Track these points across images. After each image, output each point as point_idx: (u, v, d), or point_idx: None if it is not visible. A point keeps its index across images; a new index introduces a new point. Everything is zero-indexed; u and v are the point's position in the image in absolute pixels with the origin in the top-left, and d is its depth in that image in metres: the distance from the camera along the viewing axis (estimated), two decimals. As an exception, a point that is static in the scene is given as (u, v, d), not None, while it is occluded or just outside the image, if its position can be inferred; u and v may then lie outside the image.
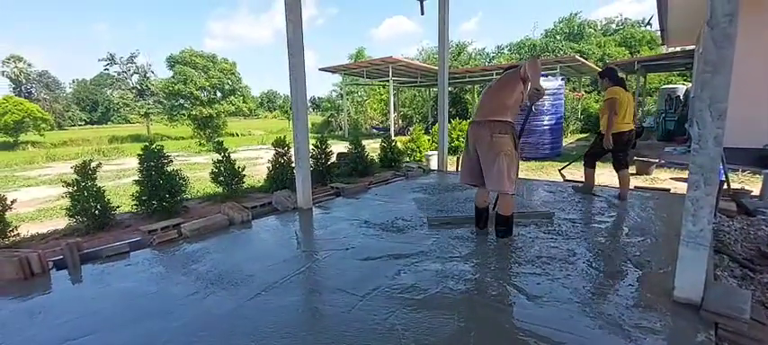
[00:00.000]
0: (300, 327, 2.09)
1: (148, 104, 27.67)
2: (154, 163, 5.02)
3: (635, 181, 6.22)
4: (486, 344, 1.90)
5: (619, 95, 4.38)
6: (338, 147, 8.74)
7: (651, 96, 22.64)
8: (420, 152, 9.79)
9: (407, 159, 9.59)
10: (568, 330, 2.00)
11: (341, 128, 23.29)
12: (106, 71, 29.67)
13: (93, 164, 4.79)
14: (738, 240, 3.64)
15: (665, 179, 6.78)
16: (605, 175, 7.18)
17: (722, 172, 4.34)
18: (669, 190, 5.21)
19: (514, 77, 3.13)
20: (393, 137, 10.11)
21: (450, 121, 6.98)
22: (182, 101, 23.67)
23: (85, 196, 4.57)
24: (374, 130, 22.92)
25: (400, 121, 24.27)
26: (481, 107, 3.30)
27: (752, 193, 5.09)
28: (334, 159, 7.10)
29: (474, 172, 3.32)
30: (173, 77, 23.48)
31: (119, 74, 28.72)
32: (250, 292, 2.49)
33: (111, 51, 28.20)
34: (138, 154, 5.06)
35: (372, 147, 9.51)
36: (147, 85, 27.39)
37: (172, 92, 23.19)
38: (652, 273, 2.62)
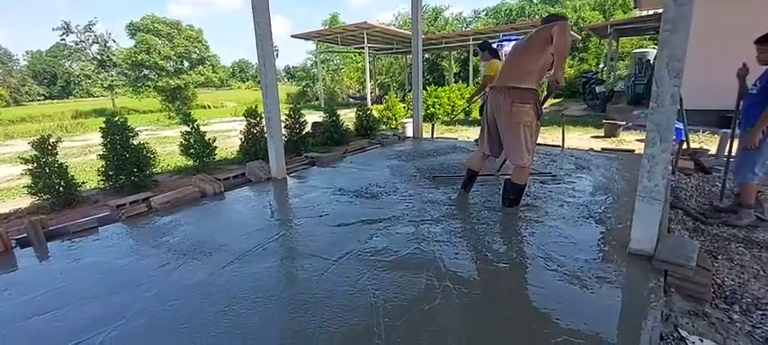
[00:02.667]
0: (273, 291, 2.12)
1: (112, 76, 26.19)
2: (118, 137, 4.83)
3: (602, 143, 6.43)
4: (452, 300, 1.98)
5: (498, 66, 4.86)
6: (314, 117, 8.62)
7: (623, 60, 23.08)
8: (396, 119, 9.76)
9: (383, 127, 9.56)
10: (532, 283, 2.11)
11: (317, 98, 22.87)
12: (62, 41, 27.67)
13: (53, 139, 4.57)
14: (693, 196, 3.86)
15: (630, 141, 7.03)
16: (574, 139, 7.39)
17: (683, 132, 4.54)
18: (634, 151, 5.42)
19: (545, 38, 2.79)
20: (370, 106, 10.03)
21: (425, 88, 6.94)
22: (146, 71, 22.49)
23: (47, 172, 4.38)
24: (351, 99, 22.60)
25: (377, 90, 23.99)
26: (502, 71, 3.09)
27: (709, 152, 5.35)
28: (308, 129, 7.01)
29: (493, 141, 3.20)
30: (135, 46, 22.19)
31: (76, 44, 26.91)
32: (223, 261, 2.50)
33: (66, 19, 26.31)
34: (101, 128, 4.85)
35: (349, 117, 9.42)
36: (108, 56, 25.79)
37: (135, 62, 21.95)
38: (612, 228, 2.77)
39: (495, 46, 10.15)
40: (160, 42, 22.39)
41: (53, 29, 26.03)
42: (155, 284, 2.27)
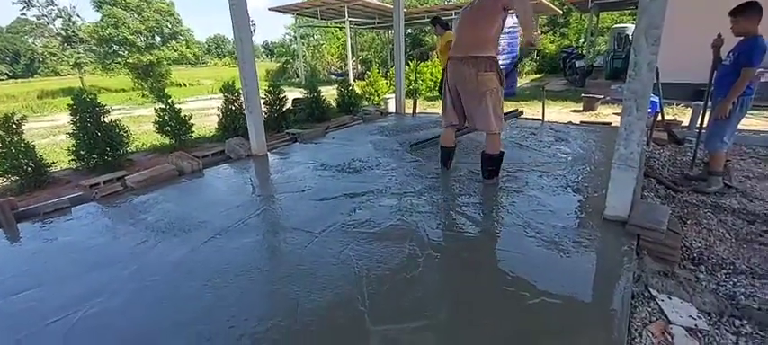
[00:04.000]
0: (255, 264, 2.11)
1: (79, 53, 24.84)
2: (88, 114, 4.63)
3: (581, 117, 6.55)
4: (434, 267, 2.01)
5: (452, 38, 5.04)
6: (295, 94, 8.44)
7: (603, 36, 23.30)
8: (378, 95, 9.65)
9: (365, 103, 9.46)
10: (511, 250, 2.16)
11: (297, 75, 22.37)
12: (23, 16, 25.98)
13: (17, 117, 4.36)
14: (666, 165, 3.99)
15: (608, 114, 7.16)
16: (554, 113, 7.48)
17: (658, 105, 4.65)
18: (610, 123, 5.53)
19: (494, 3, 2.80)
20: (352, 82, 9.87)
21: (407, 63, 6.86)
22: (115, 47, 21.40)
23: (13, 152, 4.19)
24: (333, 76, 22.21)
25: (359, 66, 23.62)
26: (460, 41, 3.04)
27: (682, 124, 5.52)
28: (289, 105, 6.86)
29: (457, 112, 3.17)
30: (102, 21, 21.00)
31: (38, 19, 25.32)
32: (203, 237, 2.46)
33: (26, -9, 24.62)
34: (69, 105, 4.64)
35: (331, 93, 9.26)
36: (73, 31, 24.37)
37: (102, 37, 20.81)
38: (588, 196, 2.84)
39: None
40: (128, 16, 21.27)
41: (13, 2, 24.42)
42: (133, 261, 2.23)
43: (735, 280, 2.01)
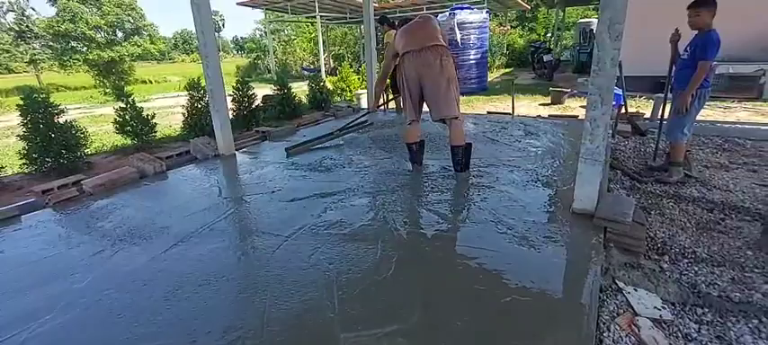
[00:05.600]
0: (220, 272, 2.01)
1: (34, 49, 23.38)
2: (40, 114, 4.34)
3: (548, 110, 6.69)
4: (407, 268, 1.98)
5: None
6: (265, 90, 8.22)
7: (569, 30, 23.94)
8: (350, 91, 9.56)
9: (337, 99, 9.34)
10: (483, 246, 2.15)
11: (269, 71, 21.88)
12: (-30, 9, 24.21)
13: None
14: (631, 157, 4.12)
15: (575, 107, 7.36)
16: (523, 106, 7.62)
17: (622, 97, 4.79)
18: (578, 116, 5.67)
19: (437, 29, 3.17)
20: (324, 78, 9.71)
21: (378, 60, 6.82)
22: (73, 43, 20.27)
23: (-45, 157, 3.88)
24: (305, 72, 21.82)
25: (332, 61, 23.33)
26: (414, 38, 3.10)
27: (644, 116, 5.72)
28: (258, 102, 6.68)
29: (420, 105, 3.22)
30: (57, 15, 19.83)
31: (-12, 12, 23.67)
32: (165, 244, 2.34)
33: (-28, -17, 22.94)
34: (18, 105, 4.33)
35: (302, 89, 9.09)
36: (27, 26, 22.90)
37: (58, 32, 19.66)
38: (558, 190, 2.88)
39: (449, 14, 10.12)
40: (86, 10, 20.17)
41: (-43, -6, 22.68)
42: (88, 273, 2.09)
43: (696, 269, 2.08)
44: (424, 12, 16.07)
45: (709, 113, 6.02)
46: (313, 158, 3.97)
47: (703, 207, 2.83)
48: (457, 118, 3.08)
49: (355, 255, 2.10)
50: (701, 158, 3.92)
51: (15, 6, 23.02)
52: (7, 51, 24.48)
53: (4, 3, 23.21)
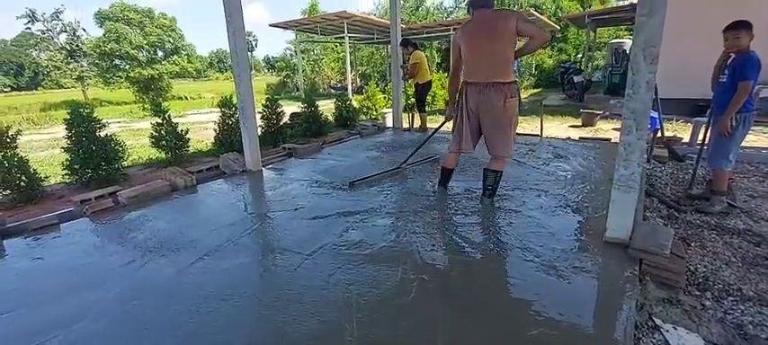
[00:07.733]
0: (243, 288, 2.03)
1: (82, 66, 25.06)
2: (84, 129, 4.59)
3: (580, 132, 6.50)
4: (428, 293, 1.93)
5: (421, 57, 6.42)
6: (293, 108, 8.42)
7: (600, 51, 23.44)
8: (376, 110, 9.64)
9: (363, 117, 9.44)
10: (509, 274, 2.08)
11: (297, 89, 22.47)
12: (28, 30, 26.24)
13: (12, 132, 4.32)
14: (668, 183, 3.92)
15: (607, 129, 7.12)
16: (553, 128, 7.45)
17: (658, 121, 4.60)
18: (610, 139, 5.48)
19: (509, 21, 2.73)
20: (350, 96, 9.87)
21: (404, 79, 6.86)
22: (117, 61, 21.61)
23: (7, 167, 4.14)
24: (332, 90, 22.29)
25: (359, 80, 23.74)
26: (479, 65, 2.91)
27: (682, 140, 5.46)
28: (286, 119, 6.83)
29: (474, 137, 3.08)
30: (104, 36, 21.24)
31: (43, 33, 25.58)
32: (191, 257, 2.38)
33: (31, 7, 24.92)
34: (65, 119, 4.60)
35: (329, 107, 9.25)
36: (77, 45, 24.62)
37: (104, 52, 21.04)
38: (588, 217, 2.77)
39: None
40: (131, 31, 21.50)
41: (18, 17, 24.68)
42: (117, 283, 2.15)
43: (743, 308, 1.92)
44: (452, 31, 16.17)
45: (755, 139, 5.68)
46: (337, 176, 4.00)
47: (750, 241, 2.64)
48: (509, 157, 3.02)
49: (376, 277, 2.07)
50: (746, 187, 3.69)
51: (68, 27, 24.79)
52: (58, 68, 26.32)
53: (57, 24, 25.02)
